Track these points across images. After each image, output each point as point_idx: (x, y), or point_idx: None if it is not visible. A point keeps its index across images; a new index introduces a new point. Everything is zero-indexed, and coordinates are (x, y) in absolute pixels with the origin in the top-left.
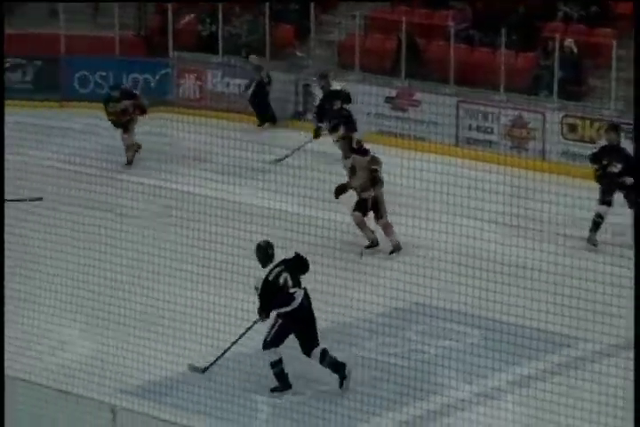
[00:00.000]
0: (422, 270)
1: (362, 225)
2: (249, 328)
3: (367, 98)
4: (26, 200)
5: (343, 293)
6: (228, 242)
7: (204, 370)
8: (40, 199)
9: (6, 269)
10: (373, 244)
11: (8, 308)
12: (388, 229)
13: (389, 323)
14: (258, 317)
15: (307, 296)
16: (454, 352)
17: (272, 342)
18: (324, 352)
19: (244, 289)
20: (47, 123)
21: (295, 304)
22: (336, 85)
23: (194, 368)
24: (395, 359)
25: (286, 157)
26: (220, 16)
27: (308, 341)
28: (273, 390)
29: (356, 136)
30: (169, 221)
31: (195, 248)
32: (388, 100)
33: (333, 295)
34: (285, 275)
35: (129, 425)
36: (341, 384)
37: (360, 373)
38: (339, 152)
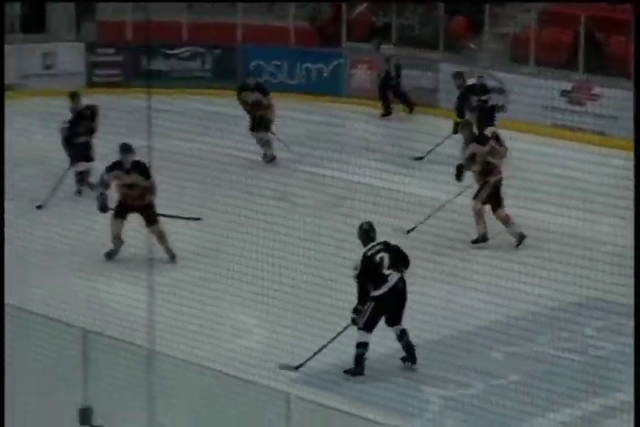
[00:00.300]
0: (591, 263)
1: (479, 215)
2: (345, 328)
3: (543, 91)
4: (183, 218)
5: (509, 285)
6: (396, 234)
7: (298, 367)
8: (198, 219)
9: (189, 256)
10: (480, 239)
11: (190, 295)
12: (507, 220)
13: (564, 317)
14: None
15: (402, 280)
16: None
17: (365, 325)
18: (405, 332)
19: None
20: (224, 111)
21: (387, 287)
22: (471, 81)
23: (286, 366)
24: (570, 354)
25: (428, 153)
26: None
27: (394, 318)
28: (346, 371)
29: (491, 129)
30: (340, 210)
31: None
32: (564, 93)
33: (499, 288)
34: (383, 255)
35: (302, 414)
36: (404, 360)
37: (535, 367)
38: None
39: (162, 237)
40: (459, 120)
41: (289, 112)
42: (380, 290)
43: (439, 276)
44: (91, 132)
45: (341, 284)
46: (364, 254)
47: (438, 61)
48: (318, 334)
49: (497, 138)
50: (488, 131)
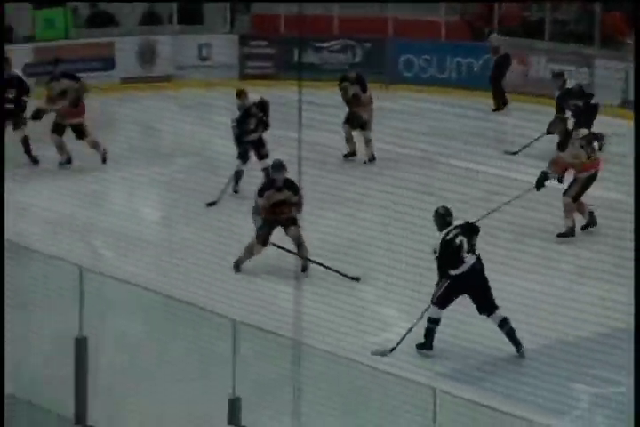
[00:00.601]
0: None
1: (568, 209)
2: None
3: None
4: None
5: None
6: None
7: (391, 350)
8: (357, 279)
9: (334, 248)
10: (568, 233)
11: (340, 289)
12: (580, 208)
13: None
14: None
15: (479, 262)
16: None
17: (438, 300)
18: (506, 320)
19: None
20: (375, 104)
21: (464, 268)
22: (570, 84)
23: (379, 352)
24: None
25: (523, 148)
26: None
27: (485, 303)
28: (419, 346)
29: (583, 131)
30: (488, 206)
31: (517, 235)
32: None
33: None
34: (462, 238)
35: (448, 408)
36: (518, 350)
37: None
38: None
39: (300, 244)
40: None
41: (439, 106)
42: (458, 270)
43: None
44: (263, 127)
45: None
46: (444, 238)
47: (593, 57)
48: (459, 326)
49: (590, 139)
50: (580, 133)
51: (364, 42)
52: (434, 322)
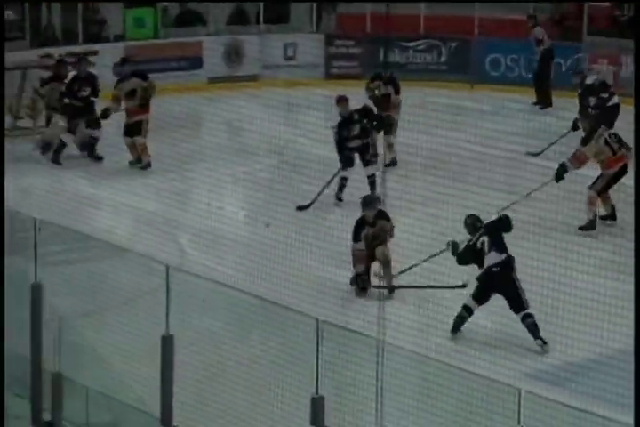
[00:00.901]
0: None
1: (591, 203)
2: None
3: None
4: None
5: None
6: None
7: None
8: (464, 286)
9: (420, 249)
10: (587, 227)
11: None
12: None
13: None
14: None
15: (507, 261)
16: None
17: (474, 296)
18: (529, 315)
19: None
20: (458, 104)
21: (486, 266)
22: (589, 80)
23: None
24: None
25: (544, 149)
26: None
27: (514, 303)
28: (451, 330)
29: (602, 129)
30: (573, 205)
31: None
32: None
33: None
34: (483, 238)
35: (533, 409)
36: (536, 338)
37: None
38: None
39: (386, 264)
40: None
41: (526, 106)
42: (482, 268)
43: None
44: (366, 134)
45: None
46: (468, 243)
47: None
48: (544, 328)
49: (609, 138)
50: (601, 130)
51: (449, 41)
52: (467, 311)
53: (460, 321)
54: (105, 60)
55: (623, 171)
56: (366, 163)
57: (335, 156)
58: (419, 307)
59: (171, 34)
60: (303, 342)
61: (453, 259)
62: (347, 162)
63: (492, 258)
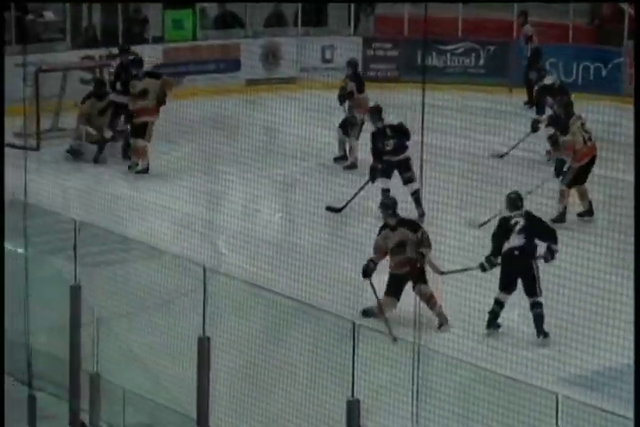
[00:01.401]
0: None
1: (561, 195)
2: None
3: None
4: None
5: None
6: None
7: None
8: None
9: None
10: (557, 219)
11: (459, 292)
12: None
13: None
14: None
15: (528, 247)
16: None
17: (500, 285)
18: (537, 303)
19: None
20: (496, 107)
21: (509, 247)
22: (547, 80)
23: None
24: None
25: (511, 149)
26: None
27: (529, 287)
28: (487, 326)
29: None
30: (616, 211)
31: None
32: None
33: None
34: (518, 220)
35: (571, 414)
36: (539, 335)
37: None
38: None
39: (429, 300)
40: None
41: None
42: (504, 249)
43: None
44: (402, 151)
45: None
46: (503, 217)
47: None
48: (581, 331)
49: (580, 127)
50: (575, 117)
51: (488, 45)
52: (498, 304)
53: (493, 316)
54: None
55: (592, 162)
56: (406, 180)
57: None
58: (455, 312)
59: (209, 36)
60: (339, 344)
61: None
62: (384, 174)
63: (515, 240)
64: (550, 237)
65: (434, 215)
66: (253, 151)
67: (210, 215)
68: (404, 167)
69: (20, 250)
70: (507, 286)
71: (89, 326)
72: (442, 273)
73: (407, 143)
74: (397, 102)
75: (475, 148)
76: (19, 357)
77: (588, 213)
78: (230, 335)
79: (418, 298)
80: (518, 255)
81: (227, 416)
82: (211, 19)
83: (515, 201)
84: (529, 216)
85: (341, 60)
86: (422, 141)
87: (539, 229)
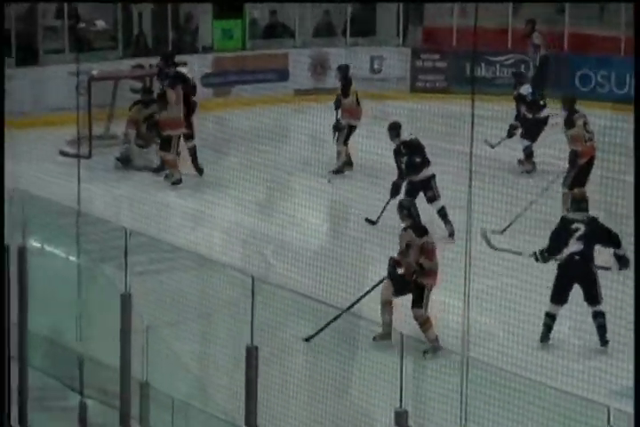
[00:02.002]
0: None
1: (564, 198)
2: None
3: None
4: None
5: None
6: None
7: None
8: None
9: (505, 264)
10: None
11: (506, 303)
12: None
13: None
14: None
15: (588, 252)
16: None
17: (553, 296)
18: (600, 313)
19: None
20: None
21: (567, 252)
22: (523, 89)
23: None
24: None
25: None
26: None
27: (589, 294)
28: (540, 339)
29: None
30: None
31: None
32: None
33: None
34: (579, 226)
35: None
36: (602, 344)
37: None
38: None
39: (423, 324)
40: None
41: (618, 122)
42: (562, 254)
43: None
44: (416, 170)
45: None
46: (564, 216)
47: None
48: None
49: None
50: (579, 115)
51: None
52: (550, 317)
53: (546, 329)
54: (193, 72)
55: (591, 163)
56: (430, 199)
57: None
58: (502, 321)
59: (258, 45)
60: (386, 354)
61: None
62: (407, 193)
63: (575, 246)
64: (614, 243)
65: (479, 225)
66: (300, 161)
67: (257, 225)
68: (427, 186)
69: (73, 258)
70: (560, 296)
71: (139, 335)
72: (495, 249)
73: (420, 160)
74: (446, 113)
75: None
76: (70, 364)
77: None
78: (278, 344)
79: (465, 311)
80: (578, 261)
81: (274, 426)
82: (260, 29)
83: (580, 202)
84: (592, 222)
85: (390, 70)
86: (471, 152)
87: (602, 235)
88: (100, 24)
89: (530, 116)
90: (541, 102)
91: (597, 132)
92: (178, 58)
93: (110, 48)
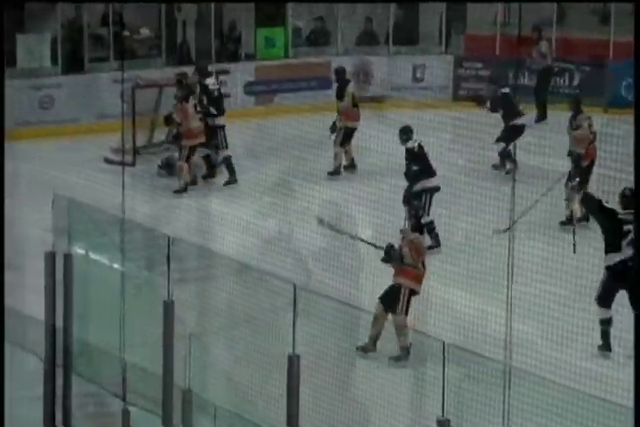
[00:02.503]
0: None
1: (571, 197)
2: None
3: None
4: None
5: None
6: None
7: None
8: None
9: (547, 272)
10: (566, 222)
11: (551, 313)
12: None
13: None
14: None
15: (635, 257)
16: None
17: (600, 298)
18: None
19: None
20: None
21: (620, 257)
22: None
23: None
24: None
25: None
26: None
27: (636, 298)
28: (599, 347)
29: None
30: None
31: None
32: None
33: None
34: (630, 227)
35: None
36: None
37: None
38: None
39: (400, 331)
40: None
41: None
42: (613, 260)
43: None
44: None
45: None
46: (613, 212)
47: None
48: None
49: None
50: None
51: (582, 65)
52: (605, 323)
53: (605, 336)
54: (236, 80)
55: (592, 165)
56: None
57: None
58: (544, 329)
59: (300, 53)
60: (429, 364)
61: None
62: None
63: (627, 251)
64: None
65: (524, 236)
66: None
67: (299, 233)
68: (419, 197)
69: (116, 265)
70: (608, 300)
71: (181, 342)
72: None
73: (417, 169)
74: (489, 121)
75: (567, 167)
76: (113, 371)
77: (587, 218)
78: (319, 353)
79: (509, 318)
80: (631, 267)
81: None
82: (303, 37)
83: (629, 200)
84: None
85: (432, 79)
86: (515, 160)
87: None
88: (145, 32)
89: (507, 122)
90: (520, 109)
91: None
92: (220, 66)
93: (154, 56)
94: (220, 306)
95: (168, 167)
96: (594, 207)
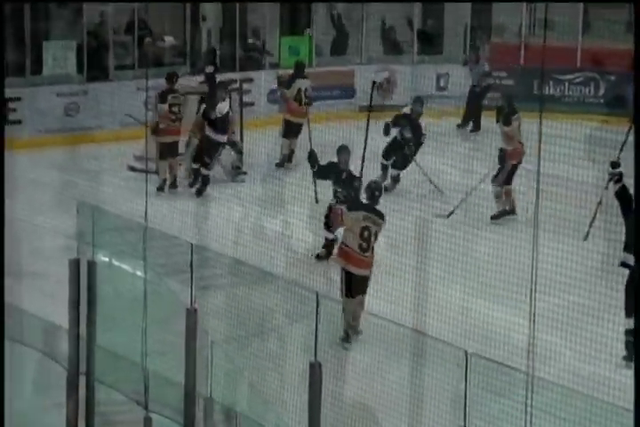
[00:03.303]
0: None
1: (496, 195)
2: None
3: None
4: None
5: None
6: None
7: None
8: None
9: (569, 282)
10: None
11: (574, 322)
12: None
13: None
14: None
15: None
16: None
17: (627, 310)
18: None
19: None
20: (615, 138)
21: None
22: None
23: None
24: None
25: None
26: None
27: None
28: (624, 358)
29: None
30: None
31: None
32: None
33: None
34: None
35: None
36: None
37: None
38: None
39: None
40: None
41: None
42: (631, 260)
43: None
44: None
45: None
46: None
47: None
48: None
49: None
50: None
51: (608, 75)
52: (629, 333)
53: (629, 347)
54: (260, 88)
55: (520, 163)
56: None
57: None
58: (568, 340)
59: (324, 62)
60: (451, 373)
61: None
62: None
63: None
64: None
65: (547, 244)
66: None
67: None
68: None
69: (139, 273)
70: (632, 308)
71: (203, 350)
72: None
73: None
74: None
75: (592, 177)
76: (136, 378)
77: (512, 211)
78: (343, 362)
79: (531, 329)
80: None
81: None
82: (327, 45)
83: None
84: None
85: (456, 88)
86: (539, 171)
87: None
88: (169, 40)
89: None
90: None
91: None
92: (244, 75)
93: (179, 64)
94: (243, 314)
95: (193, 171)
96: (628, 202)
